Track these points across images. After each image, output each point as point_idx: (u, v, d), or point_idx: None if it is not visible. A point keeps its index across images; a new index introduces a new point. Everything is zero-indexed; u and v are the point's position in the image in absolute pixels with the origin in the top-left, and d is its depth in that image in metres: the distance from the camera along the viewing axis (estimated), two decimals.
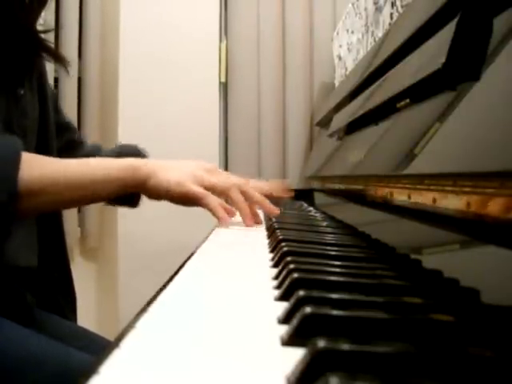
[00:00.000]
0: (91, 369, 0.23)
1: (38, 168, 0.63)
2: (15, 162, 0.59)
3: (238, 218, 0.84)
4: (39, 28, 0.79)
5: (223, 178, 0.79)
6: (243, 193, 0.81)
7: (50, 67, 0.89)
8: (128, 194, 0.79)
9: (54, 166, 0.67)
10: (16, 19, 0.72)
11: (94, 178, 0.69)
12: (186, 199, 0.75)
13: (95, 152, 1.00)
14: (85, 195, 0.69)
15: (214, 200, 0.75)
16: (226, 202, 0.88)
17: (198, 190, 0.74)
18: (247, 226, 0.82)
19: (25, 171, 0.60)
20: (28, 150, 0.78)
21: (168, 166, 0.75)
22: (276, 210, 0.86)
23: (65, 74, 1.75)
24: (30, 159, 0.63)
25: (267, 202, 0.86)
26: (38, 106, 0.82)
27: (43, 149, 0.82)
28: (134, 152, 1.03)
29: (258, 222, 0.86)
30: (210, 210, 0.75)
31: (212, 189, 0.76)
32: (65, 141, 0.94)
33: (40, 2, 0.77)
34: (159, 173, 0.73)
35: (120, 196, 0.80)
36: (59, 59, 0.84)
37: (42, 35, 0.79)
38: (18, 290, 0.77)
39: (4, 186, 0.58)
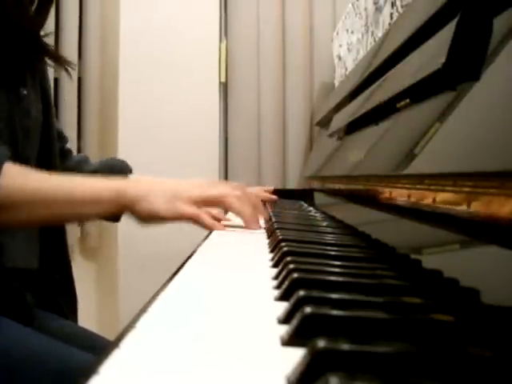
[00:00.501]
0: (91, 369, 0.23)
1: (18, 180, 0.62)
2: None
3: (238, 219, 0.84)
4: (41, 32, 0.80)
5: (217, 189, 0.77)
6: (239, 197, 0.78)
7: (49, 68, 0.89)
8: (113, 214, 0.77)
9: (35, 181, 0.66)
10: (19, 24, 0.72)
11: (76, 198, 0.67)
12: (178, 220, 0.72)
13: (82, 163, 1.00)
14: (64, 213, 0.68)
15: (206, 218, 0.73)
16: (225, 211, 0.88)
17: (189, 210, 0.71)
18: (249, 228, 0.79)
19: (4, 182, 0.59)
20: (31, 151, 0.78)
21: (154, 189, 0.72)
22: (265, 214, 0.87)
23: (65, 75, 1.76)
24: (13, 171, 0.61)
25: (260, 206, 0.86)
26: (42, 109, 0.82)
27: (46, 152, 0.82)
28: (120, 165, 1.01)
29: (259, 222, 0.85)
30: (206, 228, 0.74)
31: (205, 202, 0.75)
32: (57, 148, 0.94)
33: (45, 9, 0.77)
34: (146, 197, 0.70)
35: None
36: (61, 62, 0.85)
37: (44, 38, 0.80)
38: (18, 290, 0.77)
39: None
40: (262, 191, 1.32)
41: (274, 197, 1.25)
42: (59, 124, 0.99)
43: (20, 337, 0.64)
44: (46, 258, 0.84)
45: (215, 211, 0.91)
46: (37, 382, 0.59)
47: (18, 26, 0.71)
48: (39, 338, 0.65)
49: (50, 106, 0.85)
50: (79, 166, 0.99)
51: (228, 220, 0.85)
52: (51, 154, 0.84)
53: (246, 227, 0.79)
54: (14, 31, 0.71)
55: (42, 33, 0.80)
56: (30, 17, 0.74)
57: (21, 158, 0.65)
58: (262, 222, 0.89)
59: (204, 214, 0.73)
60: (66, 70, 0.87)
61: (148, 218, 0.71)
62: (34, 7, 0.75)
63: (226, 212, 1.06)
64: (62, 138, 0.99)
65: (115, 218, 0.91)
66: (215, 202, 0.76)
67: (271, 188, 1.39)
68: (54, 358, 0.62)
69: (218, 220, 0.82)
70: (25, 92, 0.76)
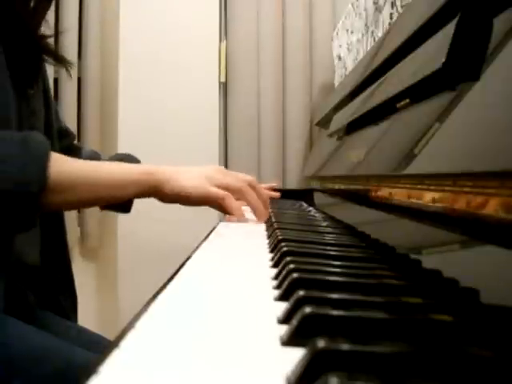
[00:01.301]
0: (91, 369, 0.23)
1: (65, 165, 0.66)
2: (46, 157, 0.61)
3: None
4: (42, 30, 0.80)
5: (234, 178, 0.82)
6: (253, 189, 0.84)
7: (49, 67, 0.89)
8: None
9: (78, 165, 0.69)
10: (22, 22, 0.73)
11: (116, 180, 0.71)
12: (205, 201, 0.77)
13: (93, 158, 1.02)
14: (105, 195, 0.71)
15: (234, 202, 0.78)
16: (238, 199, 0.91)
17: (217, 190, 0.77)
18: (260, 222, 0.86)
19: (54, 167, 0.61)
20: None
21: (181, 171, 0.77)
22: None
23: (65, 75, 1.76)
24: (58, 156, 0.65)
25: (268, 202, 0.91)
26: (44, 109, 0.83)
27: None
28: (129, 159, 1.04)
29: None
30: (230, 210, 0.79)
31: (226, 189, 0.79)
32: (64, 146, 0.95)
33: (44, 6, 0.77)
34: (175, 177, 0.75)
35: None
36: (61, 61, 0.85)
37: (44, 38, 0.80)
38: (19, 288, 0.78)
39: (35, 177, 0.59)
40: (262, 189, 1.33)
41: (277, 194, 1.26)
42: (64, 122, 1.00)
43: (22, 334, 0.64)
44: (46, 257, 0.84)
45: None
46: (38, 380, 0.59)
47: (19, 19, 0.72)
48: (41, 335, 0.66)
49: (49, 105, 0.85)
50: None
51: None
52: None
53: (257, 220, 0.86)
54: (14, 26, 0.72)
55: (41, 33, 0.80)
56: (28, 11, 0.74)
57: None
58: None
59: (231, 197, 0.78)
60: (66, 69, 0.87)
61: (176, 196, 0.76)
62: (32, 4, 0.76)
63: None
64: (69, 135, 1.00)
65: (126, 206, 0.96)
66: (236, 191, 0.81)
67: (273, 184, 1.40)
68: (56, 356, 0.62)
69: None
70: (31, 92, 0.77)
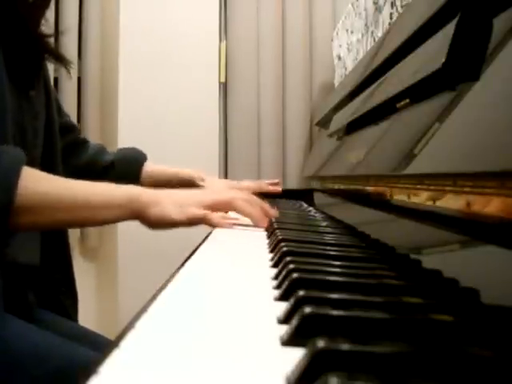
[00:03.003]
0: (91, 369, 0.23)
1: (35, 184, 0.63)
2: (15, 174, 0.59)
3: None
4: (42, 30, 0.80)
5: (224, 195, 0.80)
6: (247, 199, 0.81)
7: (49, 67, 0.89)
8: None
9: (52, 185, 0.66)
10: (22, 19, 0.73)
11: (92, 203, 0.67)
12: (189, 223, 0.74)
13: (99, 153, 1.01)
14: (80, 218, 0.68)
15: (214, 217, 0.75)
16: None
17: (198, 213, 0.73)
18: (261, 226, 0.82)
19: (22, 185, 0.59)
20: (36, 151, 0.78)
21: (166, 195, 0.74)
22: (274, 213, 0.87)
23: (65, 74, 1.76)
24: (30, 174, 0.62)
25: (267, 206, 0.87)
26: (45, 109, 0.83)
27: (49, 150, 0.83)
28: (135, 153, 1.04)
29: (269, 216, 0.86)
30: (214, 226, 0.76)
31: (215, 205, 0.77)
32: (69, 141, 0.95)
33: (43, 4, 0.77)
34: (158, 202, 0.72)
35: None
36: (62, 60, 0.85)
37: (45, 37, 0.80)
38: (19, 288, 0.77)
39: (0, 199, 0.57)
40: (264, 184, 1.33)
41: (278, 188, 1.24)
42: (68, 117, 1.00)
43: (23, 333, 0.64)
44: (47, 256, 0.84)
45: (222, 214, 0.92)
46: (39, 379, 0.60)
47: (18, 16, 0.72)
48: (42, 334, 0.66)
49: (51, 105, 0.85)
50: (96, 158, 1.00)
51: (236, 219, 0.86)
52: (54, 151, 0.85)
53: (255, 225, 0.81)
54: (15, 22, 0.71)
55: (42, 32, 0.80)
56: (28, 8, 0.74)
57: (28, 158, 0.65)
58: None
59: (212, 215, 0.75)
60: (66, 69, 0.87)
61: (159, 222, 0.73)
62: (31, 0, 0.75)
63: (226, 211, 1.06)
64: (73, 129, 1.00)
65: None
66: (224, 205, 0.79)
67: (275, 180, 1.38)
68: (57, 355, 0.62)
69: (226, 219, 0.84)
70: (33, 94, 0.77)
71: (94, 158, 1.01)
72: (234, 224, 0.83)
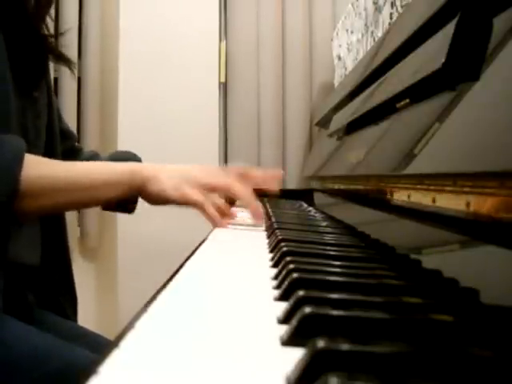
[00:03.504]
0: (91, 369, 0.23)
1: (37, 169, 0.64)
2: (18, 164, 0.59)
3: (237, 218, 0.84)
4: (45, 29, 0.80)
5: (219, 176, 0.78)
6: (246, 177, 0.80)
7: (49, 67, 0.89)
8: (127, 198, 0.78)
9: (53, 168, 0.67)
10: (28, 21, 0.73)
11: (93, 181, 0.68)
12: (183, 203, 0.74)
13: (93, 158, 1.01)
14: (84, 198, 0.69)
15: (211, 209, 0.74)
16: (230, 200, 0.87)
17: (195, 196, 0.73)
18: (256, 223, 0.82)
19: (25, 172, 0.60)
20: (38, 152, 0.78)
21: (166, 170, 0.74)
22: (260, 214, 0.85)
23: (65, 74, 1.76)
24: (31, 160, 0.63)
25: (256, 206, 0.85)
26: (47, 110, 0.83)
27: (50, 152, 0.83)
28: (130, 158, 1.03)
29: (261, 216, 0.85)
30: (207, 216, 0.75)
31: (213, 189, 0.77)
32: (65, 147, 0.95)
33: (45, 3, 0.77)
34: (157, 177, 0.72)
35: (117, 202, 0.80)
36: (65, 60, 0.85)
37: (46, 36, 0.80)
38: (19, 289, 0.77)
39: (5, 187, 0.58)
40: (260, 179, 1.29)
41: (275, 188, 1.21)
42: (66, 123, 1.00)
43: (22, 335, 0.64)
44: (46, 257, 0.84)
45: (221, 201, 0.91)
46: (38, 381, 0.59)
47: (22, 13, 0.72)
48: (42, 336, 0.66)
49: (52, 106, 0.85)
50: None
51: (234, 216, 0.86)
52: (54, 152, 0.84)
53: (252, 219, 0.81)
54: (20, 25, 0.72)
55: (44, 32, 0.80)
56: (31, 7, 0.74)
57: None
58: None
59: (210, 203, 0.74)
60: (70, 69, 0.87)
61: (156, 198, 0.73)
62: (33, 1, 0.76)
63: (230, 204, 1.05)
64: (71, 137, 1.00)
65: (130, 208, 0.92)
66: (222, 189, 0.78)
67: (277, 172, 1.33)
68: (57, 357, 0.62)
69: (223, 214, 0.83)
70: (36, 94, 0.77)
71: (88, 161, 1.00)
72: (228, 216, 0.82)
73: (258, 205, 0.81)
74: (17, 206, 0.59)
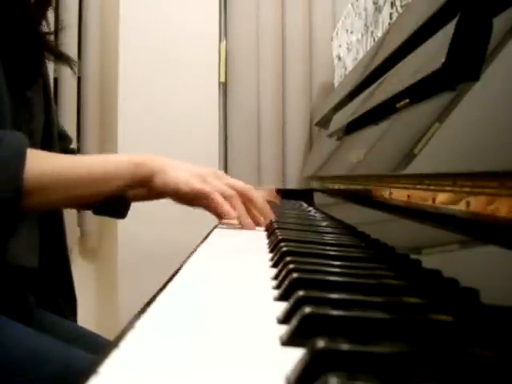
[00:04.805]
0: (90, 369, 0.23)
1: (44, 163, 0.64)
2: (21, 160, 0.59)
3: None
4: (43, 28, 0.80)
5: (227, 184, 0.78)
6: (248, 199, 0.79)
7: (49, 67, 0.89)
8: (127, 196, 0.78)
9: (56, 162, 0.67)
10: (24, 19, 0.72)
11: (97, 174, 0.68)
12: (193, 198, 0.74)
13: None
14: (87, 191, 0.69)
15: (219, 196, 0.74)
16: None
17: (205, 188, 0.73)
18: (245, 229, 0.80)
19: (28, 167, 0.60)
20: None
21: (175, 164, 0.74)
22: (272, 216, 0.86)
23: (65, 74, 1.76)
24: (34, 155, 0.63)
25: (268, 209, 0.85)
26: (44, 111, 0.82)
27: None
28: None
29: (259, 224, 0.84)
30: (216, 205, 0.74)
31: (217, 190, 0.76)
32: (59, 149, 0.94)
33: (44, 3, 0.77)
34: (167, 170, 0.72)
35: (107, 206, 0.79)
36: (65, 59, 0.85)
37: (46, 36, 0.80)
38: (19, 290, 0.77)
39: (10, 183, 0.58)
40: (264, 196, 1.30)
41: (277, 201, 1.23)
42: (61, 125, 1.00)
43: (22, 336, 0.64)
44: (45, 260, 0.83)
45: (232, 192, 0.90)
46: (37, 382, 0.59)
47: (19, 18, 0.72)
48: (41, 337, 0.65)
49: (50, 106, 0.85)
50: None
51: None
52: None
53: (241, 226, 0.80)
54: (16, 24, 0.71)
55: (42, 31, 0.80)
56: (29, 6, 0.74)
57: None
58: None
59: (218, 194, 0.74)
60: (71, 67, 0.87)
61: (163, 189, 0.73)
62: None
63: None
64: (66, 139, 1.00)
65: (121, 212, 0.90)
66: (225, 198, 0.76)
67: (272, 188, 1.35)
68: (56, 358, 0.62)
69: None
70: (29, 95, 0.76)
71: None
72: (225, 223, 0.81)
73: (248, 221, 0.80)
74: (22, 202, 0.59)
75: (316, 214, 1.09)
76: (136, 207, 0.97)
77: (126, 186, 0.71)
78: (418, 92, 0.61)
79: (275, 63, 1.93)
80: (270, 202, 0.97)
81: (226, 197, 0.76)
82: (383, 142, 0.73)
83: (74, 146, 1.05)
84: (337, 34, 1.73)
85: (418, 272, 0.44)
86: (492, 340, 0.28)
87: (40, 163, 0.63)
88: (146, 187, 0.74)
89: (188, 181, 0.73)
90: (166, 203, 0.81)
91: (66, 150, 1.00)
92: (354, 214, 0.82)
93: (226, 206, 0.75)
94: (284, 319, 0.32)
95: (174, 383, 0.23)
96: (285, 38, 1.95)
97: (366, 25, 1.31)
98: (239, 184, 0.81)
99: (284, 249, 0.53)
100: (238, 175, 1.88)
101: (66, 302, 0.89)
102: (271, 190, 1.33)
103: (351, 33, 1.50)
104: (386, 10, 1.11)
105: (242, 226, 0.80)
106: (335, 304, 0.32)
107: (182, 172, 0.74)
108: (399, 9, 1.02)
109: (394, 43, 0.78)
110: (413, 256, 0.48)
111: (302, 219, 1.00)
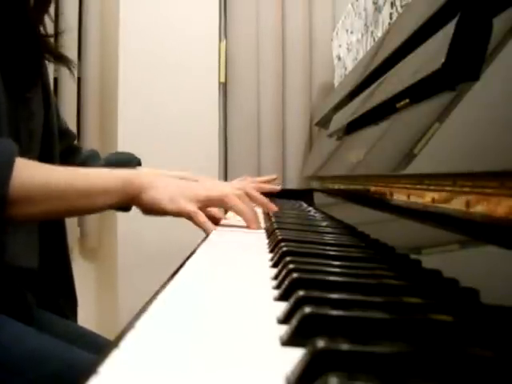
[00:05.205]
0: (90, 369, 0.23)
1: (29, 174, 0.63)
2: (8, 167, 0.59)
3: (236, 218, 0.84)
4: (42, 29, 0.80)
5: (214, 189, 0.79)
6: (240, 196, 0.80)
7: (49, 67, 0.89)
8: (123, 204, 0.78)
9: (47, 173, 0.66)
10: (24, 20, 0.72)
11: (88, 188, 0.68)
12: (177, 216, 0.74)
13: (92, 158, 1.01)
14: (77, 205, 0.68)
15: (200, 217, 0.74)
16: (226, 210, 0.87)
17: (188, 208, 0.73)
18: (251, 229, 0.81)
19: (16, 177, 0.59)
20: (32, 154, 0.78)
21: (161, 181, 0.74)
22: (275, 207, 0.87)
23: (65, 74, 1.76)
24: (23, 164, 0.62)
25: (267, 201, 0.86)
26: (43, 110, 0.82)
27: (47, 154, 0.82)
28: (129, 158, 1.03)
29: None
30: (198, 224, 0.75)
31: (207, 202, 0.76)
32: (63, 146, 0.94)
33: (44, 4, 0.77)
34: (152, 187, 0.72)
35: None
36: (64, 61, 0.85)
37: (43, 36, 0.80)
38: (18, 289, 0.77)
39: None
40: (263, 185, 1.29)
41: (277, 187, 1.22)
42: (65, 122, 0.99)
43: (21, 336, 0.64)
44: (46, 258, 0.84)
45: (215, 210, 0.92)
46: (37, 382, 0.59)
47: (18, 19, 0.72)
48: (41, 337, 0.65)
49: (50, 106, 0.85)
50: (87, 162, 1.00)
51: (227, 219, 0.85)
52: (52, 154, 0.84)
53: (246, 226, 0.80)
54: (15, 24, 0.71)
55: (42, 32, 0.80)
56: (29, 8, 0.74)
57: None
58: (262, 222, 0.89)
59: (200, 213, 0.74)
60: (69, 69, 0.87)
61: (150, 207, 0.73)
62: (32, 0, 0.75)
63: (225, 211, 1.06)
64: (70, 136, 1.00)
65: (125, 207, 0.91)
66: (216, 201, 0.78)
67: (273, 176, 1.32)
68: (56, 358, 0.62)
69: (215, 220, 0.84)
70: (29, 95, 0.76)
71: (85, 164, 1.00)
72: (225, 225, 0.82)
73: (253, 215, 0.81)
74: (7, 211, 0.58)
75: (316, 214, 1.09)
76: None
77: (118, 201, 0.71)
78: (417, 92, 0.61)
79: (275, 63, 1.93)
80: (267, 195, 0.97)
81: (218, 201, 0.78)
82: (383, 142, 0.73)
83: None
84: (337, 34, 1.73)
85: (417, 272, 0.44)
86: (492, 340, 0.28)
87: (30, 173, 0.63)
88: (134, 204, 0.74)
89: (172, 199, 0.72)
90: None
91: (70, 147, 1.00)
92: (353, 214, 0.82)
93: (207, 224, 0.75)
94: (284, 319, 0.32)
95: (174, 383, 0.23)
96: (285, 39, 1.95)
97: (365, 25, 1.31)
98: (230, 186, 0.82)
99: (284, 249, 0.53)
100: (238, 175, 1.87)
101: (67, 302, 0.89)
102: (271, 177, 1.29)
103: (351, 33, 1.50)
104: (386, 10, 1.11)
105: (247, 225, 0.80)
106: (335, 304, 0.32)
107: (167, 189, 0.73)
108: (399, 9, 1.02)
109: (394, 43, 0.78)
110: (413, 256, 0.48)
111: (302, 219, 1.00)
